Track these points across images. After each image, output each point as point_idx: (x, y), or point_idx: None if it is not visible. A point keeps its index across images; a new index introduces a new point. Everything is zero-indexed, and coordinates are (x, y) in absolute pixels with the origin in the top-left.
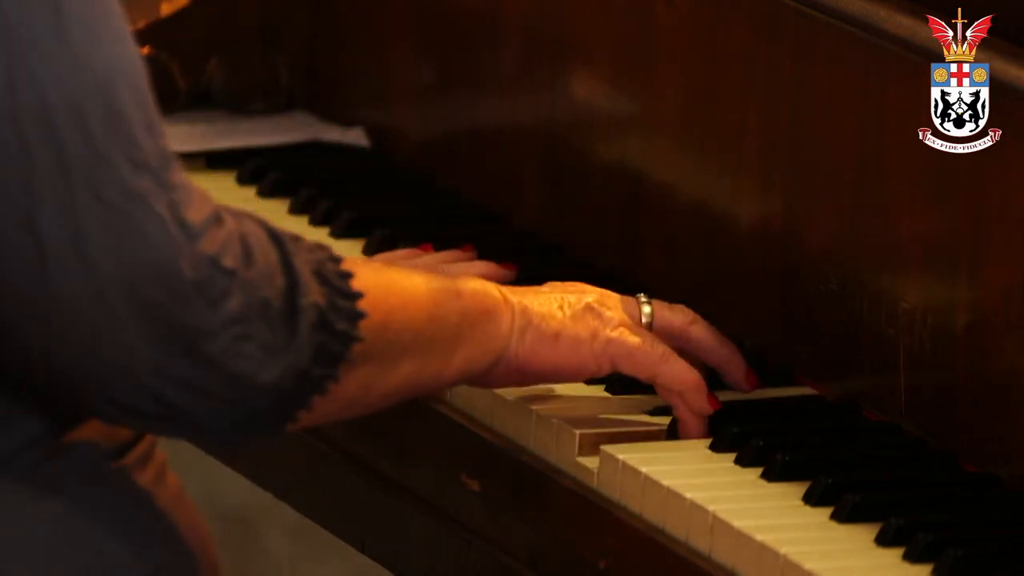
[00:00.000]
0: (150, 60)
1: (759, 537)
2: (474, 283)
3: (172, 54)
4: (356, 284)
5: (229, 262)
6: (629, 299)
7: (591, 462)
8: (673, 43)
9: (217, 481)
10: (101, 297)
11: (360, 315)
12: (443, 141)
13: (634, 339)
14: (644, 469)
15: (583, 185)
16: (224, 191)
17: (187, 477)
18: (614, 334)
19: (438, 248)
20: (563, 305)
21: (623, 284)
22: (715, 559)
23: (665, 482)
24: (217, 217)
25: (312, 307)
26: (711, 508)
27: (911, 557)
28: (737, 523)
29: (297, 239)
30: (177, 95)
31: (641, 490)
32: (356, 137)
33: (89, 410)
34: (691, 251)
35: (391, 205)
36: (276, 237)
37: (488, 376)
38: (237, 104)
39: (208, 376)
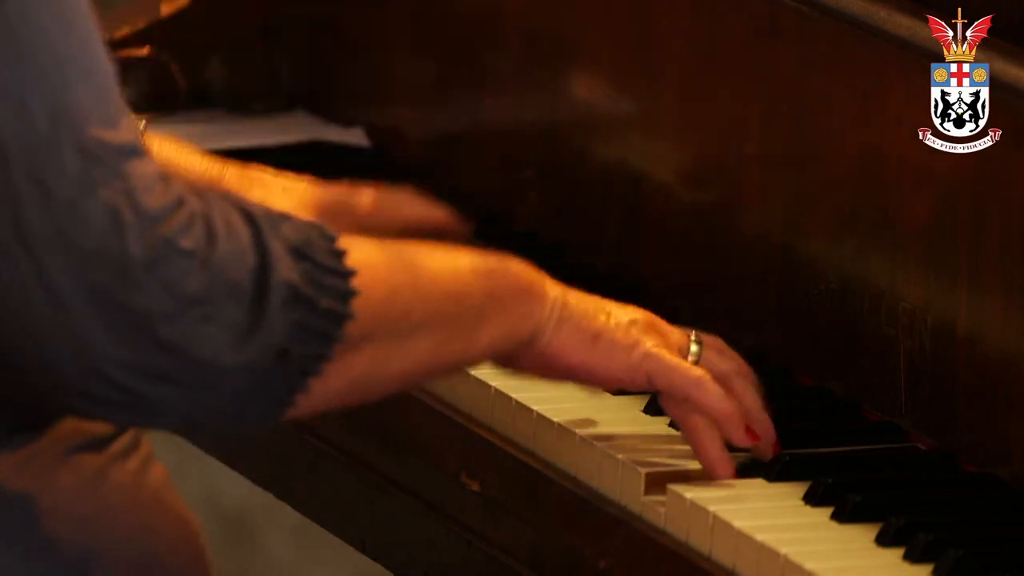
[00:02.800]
0: (150, 60)
1: (759, 537)
2: (513, 263)
3: (172, 54)
4: (352, 261)
5: (187, 243)
6: (680, 331)
7: (591, 462)
8: (673, 43)
9: (217, 481)
10: (50, 287)
11: (351, 292)
12: (443, 141)
13: (673, 359)
14: (644, 470)
15: (583, 185)
16: None
17: (187, 477)
18: (654, 350)
19: None
20: (609, 313)
21: (623, 284)
22: (715, 559)
23: (665, 483)
24: (179, 202)
25: (283, 284)
26: (711, 508)
27: (911, 557)
28: (737, 523)
29: (284, 218)
30: (177, 95)
31: (641, 490)
32: (356, 137)
33: (59, 404)
34: (691, 251)
35: None
36: (251, 216)
37: (518, 360)
38: (237, 104)
39: (172, 361)
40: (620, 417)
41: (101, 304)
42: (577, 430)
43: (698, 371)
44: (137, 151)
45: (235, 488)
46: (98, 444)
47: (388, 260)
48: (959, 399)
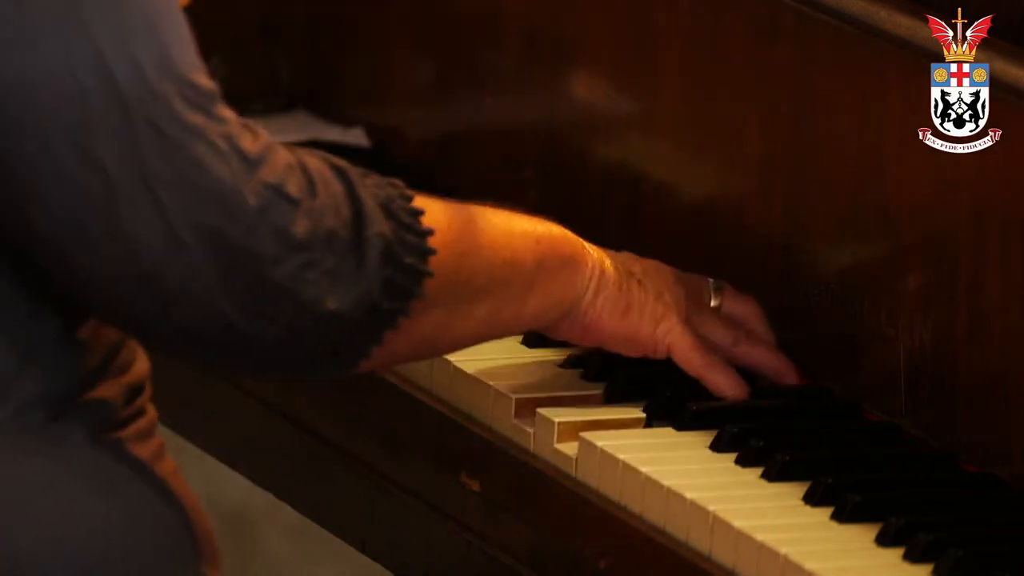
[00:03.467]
0: None
1: (759, 537)
2: (555, 228)
3: None
4: (427, 221)
5: (292, 190)
6: (702, 279)
7: (592, 462)
8: (673, 43)
9: (217, 481)
10: (170, 229)
11: (430, 251)
12: (443, 141)
13: (692, 339)
14: (644, 469)
15: (583, 185)
16: None
17: (187, 477)
18: (678, 327)
19: None
20: (641, 280)
21: None
22: (715, 559)
23: (665, 482)
24: (272, 146)
25: (379, 237)
26: (711, 508)
27: (911, 557)
28: (737, 523)
29: (366, 174)
30: None
31: (641, 490)
32: (356, 137)
33: (157, 341)
34: (691, 251)
35: None
36: (340, 170)
37: (557, 327)
38: (237, 104)
39: (276, 302)
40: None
41: (218, 245)
42: (576, 430)
43: (712, 357)
44: (220, 95)
45: (235, 488)
46: (118, 425)
47: (457, 223)
48: (959, 399)
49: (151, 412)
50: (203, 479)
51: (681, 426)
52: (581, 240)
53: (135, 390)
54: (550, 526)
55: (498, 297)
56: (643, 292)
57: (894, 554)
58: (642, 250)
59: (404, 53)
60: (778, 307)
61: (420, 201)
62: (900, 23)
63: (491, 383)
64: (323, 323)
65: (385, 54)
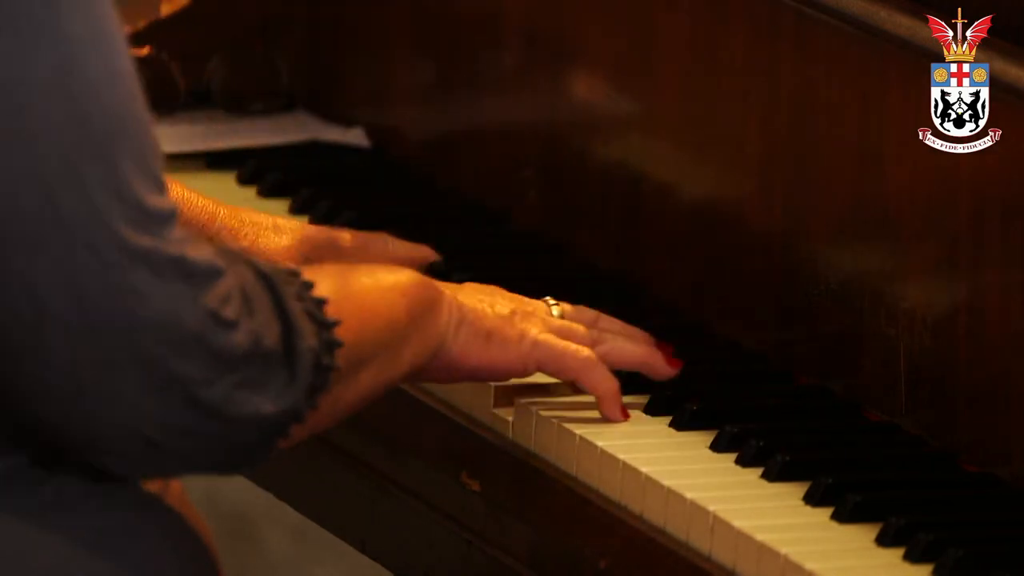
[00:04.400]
0: (150, 60)
1: (759, 537)
2: (414, 276)
3: (172, 54)
4: (330, 311)
5: (231, 313)
6: (538, 302)
7: (591, 462)
8: (673, 43)
9: (217, 481)
10: (102, 356)
11: (338, 344)
12: (443, 141)
13: (560, 343)
14: (644, 469)
15: (583, 185)
16: (224, 191)
17: (188, 477)
18: (541, 337)
19: (438, 248)
20: (492, 304)
21: (623, 284)
22: (715, 559)
23: (665, 482)
24: (216, 270)
25: (309, 351)
26: (711, 508)
27: (911, 557)
28: (737, 523)
29: (285, 275)
30: (177, 95)
31: (641, 490)
32: (356, 137)
33: (84, 460)
34: (691, 251)
35: (391, 205)
36: (267, 279)
37: (424, 372)
38: (237, 104)
39: (204, 421)
40: None
41: (151, 371)
42: (576, 430)
43: (584, 353)
44: (175, 214)
45: (235, 488)
46: None
47: (349, 300)
48: (959, 399)
49: None
50: (203, 479)
51: (681, 426)
52: (431, 279)
53: None
54: (550, 526)
55: (380, 359)
56: (497, 317)
57: (894, 554)
58: (642, 250)
59: (404, 53)
60: (778, 307)
61: (319, 287)
62: (900, 23)
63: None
64: (245, 433)
65: (385, 54)
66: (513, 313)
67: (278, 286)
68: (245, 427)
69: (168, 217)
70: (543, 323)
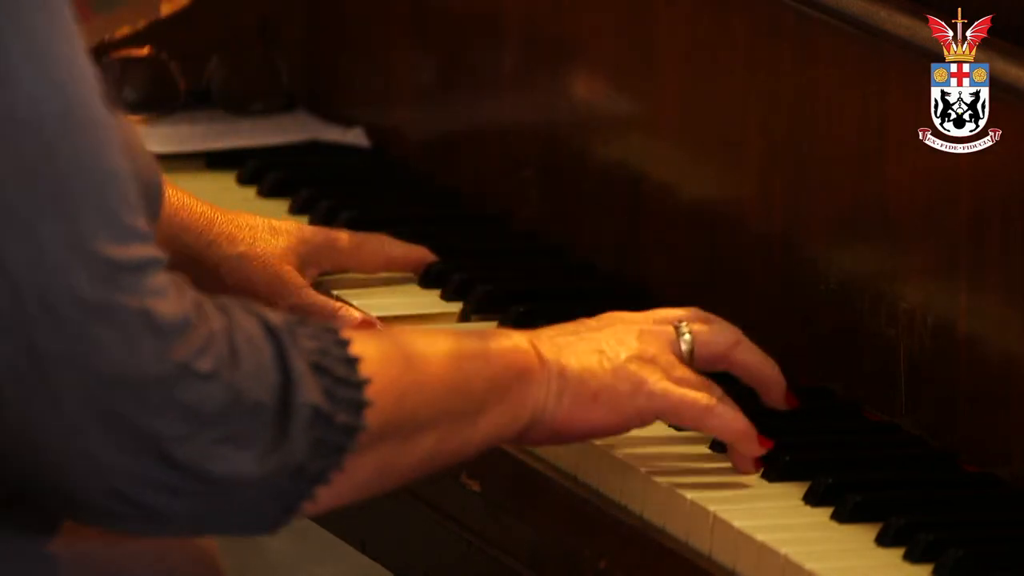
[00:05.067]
0: (150, 60)
1: (759, 537)
2: (506, 341)
3: (172, 54)
4: (364, 369)
5: (205, 366)
6: (667, 329)
7: (591, 461)
8: (673, 43)
9: None
10: (63, 412)
11: (365, 403)
12: (443, 141)
13: (678, 392)
14: (644, 469)
15: (583, 185)
16: (224, 191)
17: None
18: (658, 388)
19: (437, 249)
20: (602, 358)
21: (623, 284)
22: (715, 559)
23: (665, 482)
24: (197, 316)
25: (307, 406)
26: (711, 508)
27: (911, 557)
28: (737, 523)
29: (301, 324)
30: (177, 95)
31: (641, 490)
32: (356, 137)
33: (64, 515)
34: (691, 251)
35: (391, 205)
36: (272, 331)
37: (523, 438)
38: (237, 104)
39: (184, 479)
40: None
41: (116, 428)
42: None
43: (704, 400)
44: (152, 262)
45: None
46: None
47: (396, 360)
48: (959, 399)
49: None
50: None
51: (681, 426)
52: (536, 345)
53: None
54: (550, 526)
55: (446, 425)
56: (608, 373)
57: (894, 554)
58: (642, 250)
59: (404, 53)
60: (778, 307)
61: (358, 345)
62: (900, 23)
63: None
64: (239, 491)
65: (385, 54)
66: (628, 361)
67: (283, 339)
68: (235, 486)
69: (140, 266)
70: (663, 370)
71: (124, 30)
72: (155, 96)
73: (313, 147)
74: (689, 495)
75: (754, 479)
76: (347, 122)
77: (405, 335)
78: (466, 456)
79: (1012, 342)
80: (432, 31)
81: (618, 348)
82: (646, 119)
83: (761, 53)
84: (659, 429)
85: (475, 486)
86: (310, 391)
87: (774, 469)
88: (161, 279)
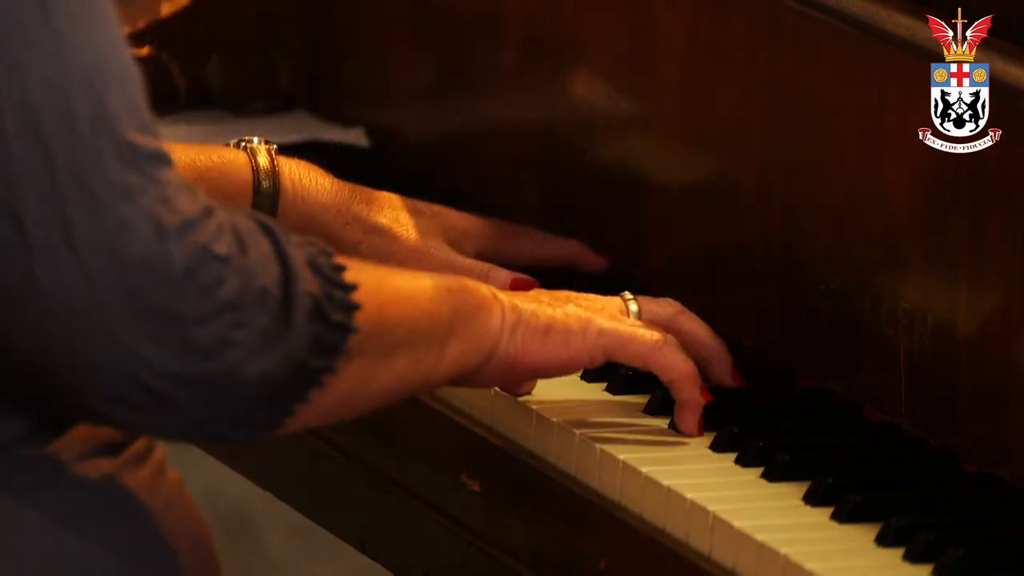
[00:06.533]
0: (150, 60)
1: (759, 537)
2: (463, 280)
3: (172, 54)
4: (349, 276)
5: (222, 249)
6: (614, 298)
7: (591, 462)
8: (673, 43)
9: (217, 481)
10: (90, 288)
11: (355, 306)
12: (443, 141)
13: (627, 328)
14: (644, 469)
15: (583, 185)
16: None
17: (188, 477)
18: (607, 324)
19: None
20: (552, 301)
21: (623, 284)
22: (715, 559)
23: (665, 482)
24: (208, 210)
25: (307, 295)
26: (711, 508)
27: (911, 557)
28: (737, 523)
29: (288, 232)
30: (177, 95)
31: (641, 490)
32: (356, 137)
33: (76, 405)
34: (691, 251)
35: None
36: (267, 228)
37: (480, 374)
38: (237, 104)
39: (199, 365)
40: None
41: (141, 308)
42: (576, 429)
43: (653, 335)
44: (167, 158)
45: (235, 488)
46: (112, 449)
47: (377, 277)
48: (959, 399)
49: None
50: (203, 479)
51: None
52: (488, 286)
53: None
54: (550, 526)
55: (419, 347)
56: (558, 311)
57: (894, 554)
58: (642, 250)
59: (404, 53)
60: (778, 307)
61: (341, 257)
62: (900, 23)
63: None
64: (247, 384)
65: (385, 54)
66: (576, 305)
67: (279, 234)
68: (244, 376)
69: (157, 156)
70: (611, 314)
71: (124, 30)
72: (155, 96)
73: (313, 147)
74: (689, 495)
75: (754, 478)
76: (347, 122)
77: (379, 265)
78: (432, 385)
79: (1012, 342)
80: (432, 31)
81: (566, 297)
82: (646, 119)
83: (761, 53)
84: (660, 429)
85: (475, 486)
86: (308, 282)
87: (774, 469)
88: (174, 174)
